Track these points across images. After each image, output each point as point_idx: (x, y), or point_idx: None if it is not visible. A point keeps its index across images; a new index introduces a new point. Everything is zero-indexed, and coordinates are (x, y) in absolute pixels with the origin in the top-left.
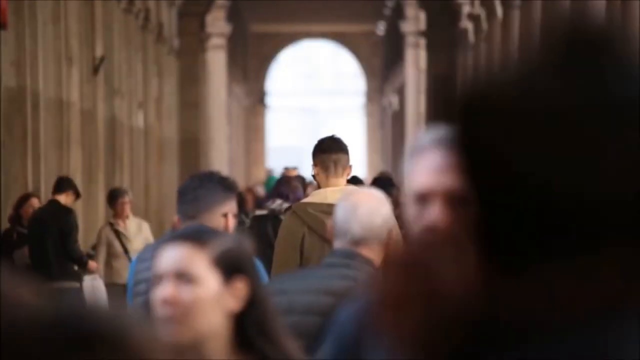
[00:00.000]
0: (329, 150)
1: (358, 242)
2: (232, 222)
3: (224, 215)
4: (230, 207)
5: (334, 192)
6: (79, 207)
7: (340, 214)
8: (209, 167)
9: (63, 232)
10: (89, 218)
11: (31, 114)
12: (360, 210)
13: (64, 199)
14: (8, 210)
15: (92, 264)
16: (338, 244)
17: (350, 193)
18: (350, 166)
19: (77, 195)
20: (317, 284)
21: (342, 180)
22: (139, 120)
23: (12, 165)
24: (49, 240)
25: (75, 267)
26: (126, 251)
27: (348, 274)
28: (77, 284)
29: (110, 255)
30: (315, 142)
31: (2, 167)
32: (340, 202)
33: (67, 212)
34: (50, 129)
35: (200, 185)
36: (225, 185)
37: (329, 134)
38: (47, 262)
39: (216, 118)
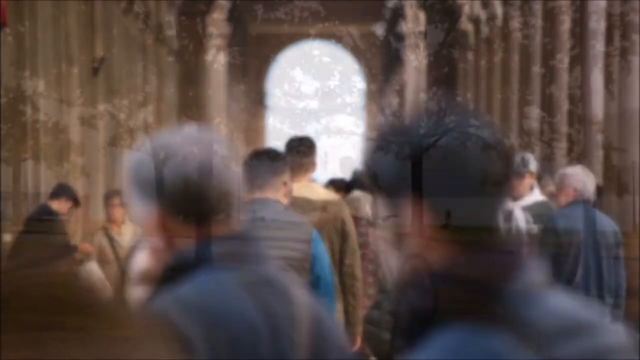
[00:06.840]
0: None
1: None
2: (290, 188)
3: (284, 184)
4: (288, 176)
5: (299, 188)
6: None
7: None
8: None
9: None
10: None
11: (31, 113)
12: None
13: (56, 205)
14: (8, 211)
15: (83, 246)
16: None
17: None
18: (313, 163)
19: (76, 202)
20: None
21: (306, 179)
22: (139, 120)
23: (12, 165)
24: None
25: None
26: (118, 258)
27: None
28: None
29: (101, 262)
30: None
31: (2, 167)
32: None
33: (55, 215)
34: (50, 129)
35: (260, 162)
36: (279, 158)
37: (287, 140)
38: None
39: (216, 118)
